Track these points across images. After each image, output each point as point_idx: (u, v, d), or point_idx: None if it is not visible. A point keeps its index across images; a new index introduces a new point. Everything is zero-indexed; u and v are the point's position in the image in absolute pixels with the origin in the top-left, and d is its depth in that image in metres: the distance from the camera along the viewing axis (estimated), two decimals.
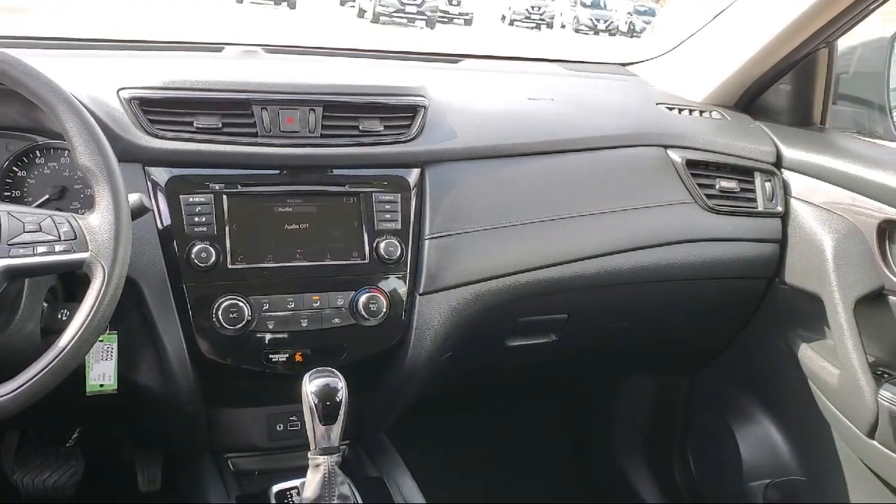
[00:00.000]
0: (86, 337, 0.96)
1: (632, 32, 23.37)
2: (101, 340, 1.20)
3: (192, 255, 1.20)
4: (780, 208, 1.60)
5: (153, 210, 1.20)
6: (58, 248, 0.97)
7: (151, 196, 1.21)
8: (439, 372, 1.43)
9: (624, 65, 2.01)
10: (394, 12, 18.95)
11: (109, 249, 0.97)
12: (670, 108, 1.71)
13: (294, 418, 1.41)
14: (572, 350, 1.68)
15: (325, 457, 1.15)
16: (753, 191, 1.61)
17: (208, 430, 1.41)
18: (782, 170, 1.63)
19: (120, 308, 1.01)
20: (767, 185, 1.61)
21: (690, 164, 1.58)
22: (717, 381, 1.88)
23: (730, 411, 1.83)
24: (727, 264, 1.58)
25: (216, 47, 1.67)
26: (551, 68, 2.00)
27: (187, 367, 1.24)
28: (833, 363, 1.50)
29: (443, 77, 1.72)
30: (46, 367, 0.95)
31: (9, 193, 1.25)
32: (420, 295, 1.33)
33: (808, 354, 1.58)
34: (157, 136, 1.23)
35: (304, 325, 1.26)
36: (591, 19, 24.00)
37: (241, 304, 1.22)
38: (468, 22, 21.23)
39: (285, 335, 1.26)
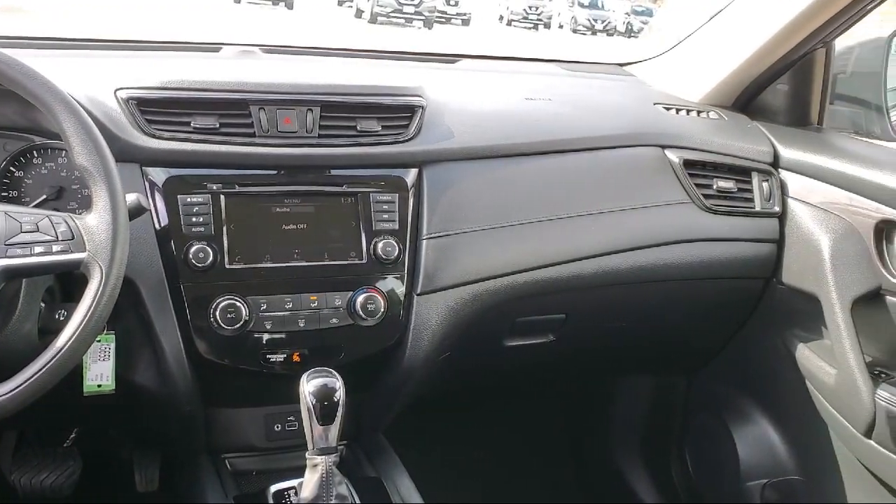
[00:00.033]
0: (83, 337, 0.96)
1: (629, 32, 23.38)
2: (99, 340, 1.20)
3: (190, 256, 1.20)
4: (777, 208, 1.60)
5: (150, 210, 1.20)
6: (55, 248, 0.97)
7: (149, 196, 1.21)
8: (437, 372, 1.43)
9: (621, 65, 2.01)
10: (391, 12, 18.95)
11: (107, 249, 0.97)
12: (668, 108, 1.71)
13: (292, 418, 1.41)
14: (570, 350, 1.68)
15: (323, 457, 1.15)
16: (751, 191, 1.61)
17: (206, 430, 1.41)
18: (779, 170, 1.63)
19: (117, 308, 1.00)
20: (765, 185, 1.61)
21: (688, 164, 1.58)
22: (715, 381, 1.88)
23: (727, 411, 1.83)
24: (724, 264, 1.58)
25: (214, 47, 1.67)
26: (549, 68, 2.00)
27: (185, 367, 1.24)
28: (830, 363, 1.50)
29: (440, 77, 1.72)
30: (44, 367, 0.94)
31: (6, 194, 1.25)
32: (418, 295, 1.33)
33: (806, 354, 1.58)
34: (154, 137, 1.23)
35: (301, 325, 1.26)
36: (589, 19, 24.00)
37: (238, 304, 1.22)
38: (466, 22, 21.23)
39: (283, 335, 1.26)
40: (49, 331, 1.04)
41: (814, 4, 1.54)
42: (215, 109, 1.26)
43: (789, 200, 1.60)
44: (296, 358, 1.27)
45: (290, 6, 18.94)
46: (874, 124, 1.70)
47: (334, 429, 1.15)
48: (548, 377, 2.03)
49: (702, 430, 1.92)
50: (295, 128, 1.28)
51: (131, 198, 1.06)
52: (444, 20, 20.57)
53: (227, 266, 1.23)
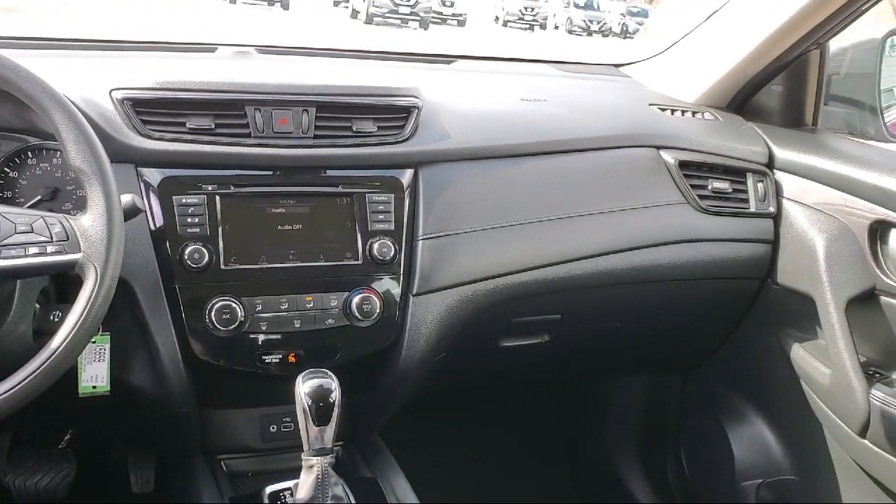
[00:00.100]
0: (78, 338, 0.96)
1: (625, 33, 23.41)
2: (94, 342, 1.19)
3: (185, 256, 1.20)
4: (772, 209, 1.61)
5: (146, 211, 1.20)
6: (50, 249, 0.97)
7: (144, 197, 1.21)
8: (433, 373, 1.43)
9: (617, 66, 2.01)
10: (387, 13, 18.95)
11: (102, 250, 0.97)
12: (663, 109, 1.72)
13: (287, 419, 1.41)
14: (565, 350, 1.68)
15: (319, 458, 1.14)
16: (746, 191, 1.61)
17: (201, 431, 1.40)
18: (774, 170, 1.63)
19: (112, 309, 1.00)
20: (759, 185, 1.61)
21: (683, 164, 1.58)
22: (710, 382, 1.89)
23: (722, 411, 1.83)
24: (719, 265, 1.58)
25: (209, 48, 1.67)
26: (544, 69, 2.00)
27: (180, 368, 1.24)
28: (825, 363, 1.51)
29: (436, 78, 1.72)
30: (38, 368, 0.94)
31: (0, 194, 1.25)
32: (413, 296, 1.33)
33: (801, 354, 1.58)
34: (149, 137, 1.22)
35: (297, 325, 1.26)
36: (585, 20, 24.03)
37: (234, 304, 1.22)
38: (461, 23, 21.23)
39: (278, 336, 1.26)
40: (44, 332, 1.04)
41: (808, 6, 1.55)
42: (211, 110, 1.25)
43: (784, 201, 1.61)
44: (291, 359, 1.27)
45: (285, 7, 18.93)
46: (868, 125, 1.70)
47: (330, 430, 1.15)
48: (543, 378, 2.03)
49: (697, 430, 1.92)
50: (290, 128, 1.28)
51: (126, 199, 1.05)
52: (439, 21, 20.57)
53: (223, 267, 1.23)
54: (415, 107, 1.37)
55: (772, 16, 1.60)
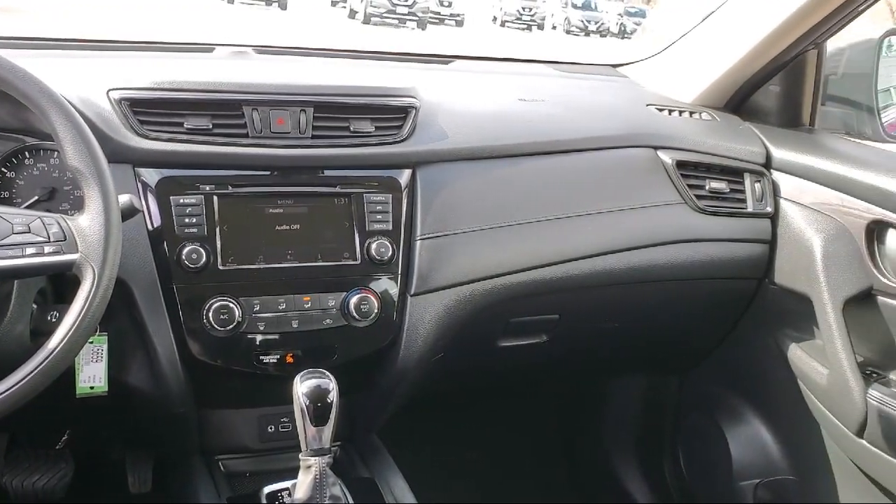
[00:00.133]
0: (75, 339, 0.96)
1: (622, 34, 23.44)
2: (91, 342, 1.19)
3: (183, 257, 1.20)
4: (769, 209, 1.61)
5: (143, 211, 1.20)
6: (47, 249, 0.97)
7: (141, 197, 1.21)
8: (431, 373, 1.43)
9: (614, 66, 2.02)
10: (385, 13, 18.94)
11: (99, 251, 0.97)
12: (660, 110, 1.72)
13: (285, 419, 1.41)
14: (563, 350, 1.68)
15: (317, 458, 1.14)
16: (743, 191, 1.61)
17: (199, 431, 1.40)
18: (772, 170, 1.64)
19: (110, 309, 1.00)
20: (757, 185, 1.62)
21: (680, 164, 1.58)
22: (707, 381, 1.89)
23: (720, 411, 1.83)
24: (717, 265, 1.59)
25: (207, 48, 1.67)
26: (542, 69, 2.01)
27: (178, 368, 1.24)
28: (822, 363, 1.51)
29: (434, 78, 1.72)
30: (36, 369, 0.94)
31: None
32: (411, 296, 1.33)
33: (798, 354, 1.59)
34: (147, 137, 1.22)
35: (294, 326, 1.26)
36: (582, 20, 24.06)
37: (231, 305, 1.22)
38: (459, 23, 21.25)
39: (276, 336, 1.26)
40: (41, 332, 1.04)
41: (805, 6, 1.55)
42: (208, 110, 1.25)
43: (781, 201, 1.61)
44: (289, 359, 1.27)
45: (283, 7, 18.94)
46: (865, 125, 1.71)
47: (328, 430, 1.15)
48: (541, 377, 2.03)
49: (694, 429, 1.93)
50: (288, 128, 1.28)
51: (124, 199, 1.05)
52: (437, 21, 20.58)
53: (220, 267, 1.23)
54: (412, 107, 1.37)
55: (769, 16, 1.60)
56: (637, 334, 1.74)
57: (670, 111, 1.72)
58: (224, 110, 1.26)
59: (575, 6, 24.47)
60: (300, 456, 1.16)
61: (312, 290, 1.27)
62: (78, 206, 1.20)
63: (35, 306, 1.07)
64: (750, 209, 1.61)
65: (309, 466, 1.15)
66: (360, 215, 1.31)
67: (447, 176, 1.40)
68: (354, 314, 1.28)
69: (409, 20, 19.16)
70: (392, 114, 1.36)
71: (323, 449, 1.15)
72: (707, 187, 1.60)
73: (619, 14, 24.62)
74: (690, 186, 1.58)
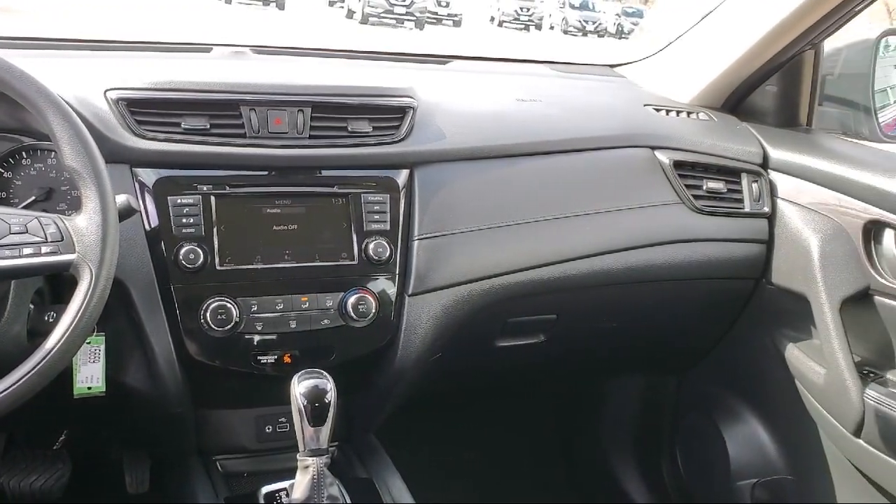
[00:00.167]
0: (73, 339, 0.96)
1: (620, 34, 23.47)
2: (89, 342, 1.19)
3: (180, 257, 1.20)
4: (766, 209, 1.61)
5: (141, 211, 1.20)
6: (44, 249, 0.97)
7: (139, 197, 1.21)
8: (428, 373, 1.43)
9: (612, 66, 2.02)
10: (383, 13, 18.94)
11: (96, 251, 0.97)
12: (658, 110, 1.72)
13: (283, 420, 1.41)
14: (561, 350, 1.68)
15: (314, 458, 1.14)
16: (740, 191, 1.62)
17: (197, 431, 1.40)
18: (769, 171, 1.64)
19: (107, 310, 1.00)
20: (754, 185, 1.62)
21: (678, 164, 1.59)
22: (705, 381, 1.89)
23: (717, 411, 1.84)
24: (714, 265, 1.59)
25: (204, 48, 1.67)
26: (539, 70, 2.01)
27: (175, 368, 1.24)
28: (819, 363, 1.51)
29: (431, 78, 1.72)
30: (33, 369, 0.94)
31: None
32: (409, 296, 1.33)
33: (795, 354, 1.59)
34: (144, 137, 1.22)
35: (292, 326, 1.26)
36: (580, 21, 24.09)
37: (229, 305, 1.21)
38: (457, 23, 21.26)
39: (274, 337, 1.25)
40: (38, 333, 1.04)
41: (803, 6, 1.55)
42: (205, 110, 1.25)
43: (778, 201, 1.61)
44: (287, 359, 1.27)
45: (280, 7, 18.93)
46: (862, 125, 1.71)
47: (325, 430, 1.15)
48: (539, 377, 2.03)
49: (692, 429, 1.93)
50: (285, 128, 1.28)
51: (121, 199, 1.05)
52: (435, 21, 20.59)
53: (218, 267, 1.23)
54: (410, 107, 1.37)
55: (766, 16, 1.61)
56: (635, 334, 1.74)
57: (668, 111, 1.72)
58: (221, 110, 1.26)
59: (572, 6, 24.49)
60: (298, 456, 1.16)
61: (310, 291, 1.27)
62: (75, 206, 1.20)
63: (32, 306, 1.07)
64: (747, 209, 1.61)
65: (307, 466, 1.15)
66: (358, 215, 1.31)
67: (445, 176, 1.40)
68: (352, 314, 1.28)
69: (407, 20, 19.17)
70: (390, 114, 1.36)
71: (321, 449, 1.15)
72: (704, 187, 1.60)
73: (617, 14, 24.65)
74: (688, 186, 1.58)
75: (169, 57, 1.68)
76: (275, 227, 1.27)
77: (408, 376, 1.38)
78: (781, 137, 1.67)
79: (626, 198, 1.53)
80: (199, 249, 1.21)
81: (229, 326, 1.21)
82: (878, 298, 1.44)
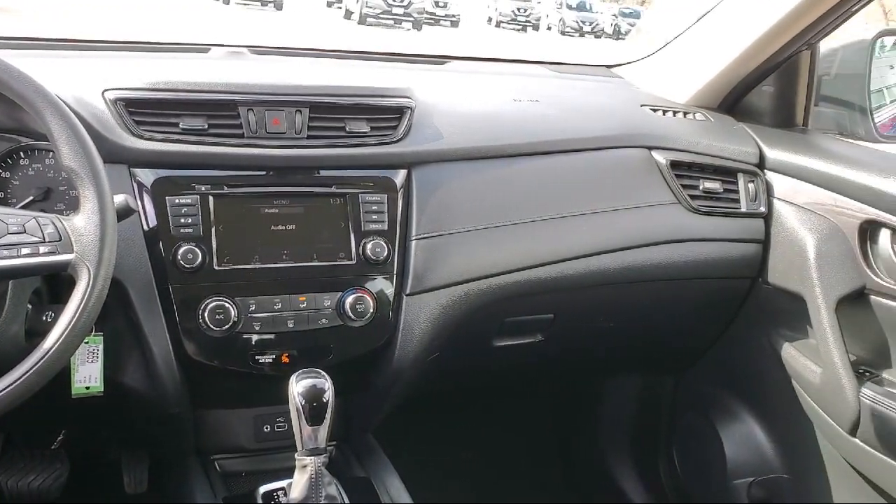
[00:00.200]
0: (71, 339, 0.96)
1: (617, 34, 23.49)
2: (87, 342, 1.19)
3: (179, 257, 1.20)
4: (763, 209, 1.61)
5: (139, 211, 1.20)
6: (42, 249, 0.97)
7: (137, 197, 1.21)
8: (426, 372, 1.43)
9: (609, 67, 2.02)
10: (380, 14, 18.95)
11: (94, 251, 0.97)
12: (654, 110, 1.72)
13: (281, 419, 1.41)
14: (558, 350, 1.68)
15: (312, 458, 1.15)
16: (737, 191, 1.62)
17: (195, 431, 1.40)
18: (765, 171, 1.64)
19: (105, 309, 1.00)
20: (750, 185, 1.62)
21: (674, 165, 1.59)
22: (702, 381, 1.90)
23: (714, 410, 1.84)
24: (711, 264, 1.59)
25: (202, 48, 1.67)
26: (537, 70, 2.01)
27: (173, 368, 1.24)
28: (816, 362, 1.52)
29: (429, 78, 1.72)
30: (31, 369, 0.94)
31: None
32: (407, 296, 1.34)
33: (791, 353, 1.59)
34: (142, 138, 1.22)
35: (290, 326, 1.26)
36: (577, 21, 24.11)
37: (227, 305, 1.22)
38: (455, 23, 21.26)
39: (272, 336, 1.26)
40: (36, 332, 1.04)
41: (799, 7, 1.56)
42: (204, 110, 1.25)
43: (775, 201, 1.62)
44: (285, 359, 1.27)
45: (278, 7, 18.93)
46: (858, 125, 1.71)
47: (323, 430, 1.15)
48: (536, 377, 2.04)
49: (689, 429, 1.93)
50: (283, 129, 1.28)
51: (119, 199, 1.05)
52: (432, 21, 20.60)
53: (216, 267, 1.23)
54: (408, 107, 1.37)
55: (762, 17, 1.61)
56: (632, 334, 1.75)
57: (664, 112, 1.73)
58: (219, 110, 1.26)
59: (570, 7, 24.51)
60: (296, 456, 1.16)
61: (308, 290, 1.27)
62: (73, 206, 1.20)
63: (30, 306, 1.07)
64: (743, 209, 1.61)
65: (305, 466, 1.15)
66: (356, 215, 1.31)
67: (442, 176, 1.40)
68: (350, 314, 1.28)
69: (405, 21, 19.17)
70: (387, 114, 1.36)
71: (318, 449, 1.15)
72: (701, 187, 1.60)
73: (614, 15, 24.66)
74: (684, 186, 1.58)
75: (167, 57, 1.68)
76: (273, 227, 1.27)
77: (405, 376, 1.39)
78: (778, 137, 1.68)
79: (622, 198, 1.53)
80: (197, 249, 1.21)
81: (227, 326, 1.22)
82: (873, 298, 1.44)
